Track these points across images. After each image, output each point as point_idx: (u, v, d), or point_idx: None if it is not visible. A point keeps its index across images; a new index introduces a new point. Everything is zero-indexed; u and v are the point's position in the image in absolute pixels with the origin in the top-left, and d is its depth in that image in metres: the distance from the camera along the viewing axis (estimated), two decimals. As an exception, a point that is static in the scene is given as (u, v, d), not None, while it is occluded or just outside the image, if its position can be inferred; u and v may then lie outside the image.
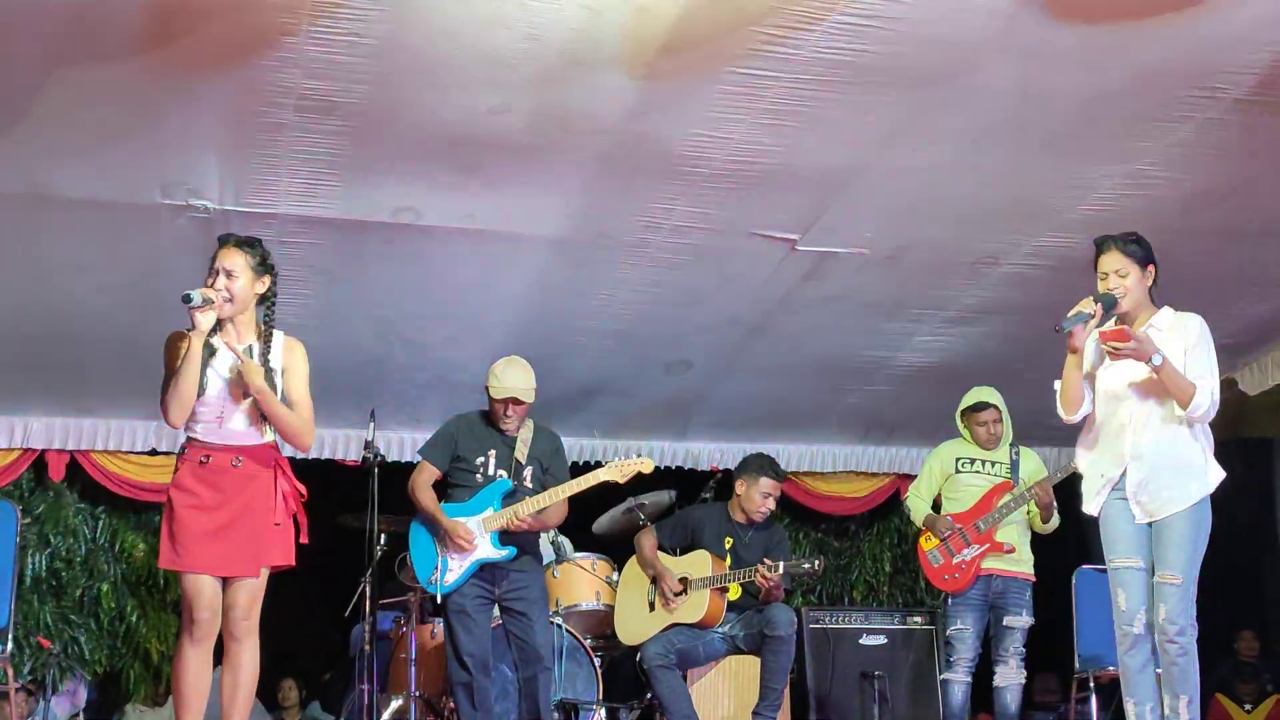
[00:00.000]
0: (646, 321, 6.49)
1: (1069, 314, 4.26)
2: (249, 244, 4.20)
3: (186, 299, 4.02)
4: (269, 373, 4.15)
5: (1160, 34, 4.19)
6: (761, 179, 5.12)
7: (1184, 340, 4.25)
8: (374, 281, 6.00)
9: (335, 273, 5.83)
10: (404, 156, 4.95)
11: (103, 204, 5.18)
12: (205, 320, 4.06)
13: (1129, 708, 4.27)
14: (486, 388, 5.46)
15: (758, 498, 6.02)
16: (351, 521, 6.02)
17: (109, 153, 4.86)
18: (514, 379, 5.41)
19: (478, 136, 4.79)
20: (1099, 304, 4.25)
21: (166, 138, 4.79)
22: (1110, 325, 4.25)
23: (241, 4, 4.02)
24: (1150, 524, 4.24)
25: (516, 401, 5.40)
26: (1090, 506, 4.40)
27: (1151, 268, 4.32)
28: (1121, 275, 4.27)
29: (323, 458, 7.63)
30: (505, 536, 5.34)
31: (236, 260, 4.15)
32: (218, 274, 4.13)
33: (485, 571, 5.33)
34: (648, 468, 5.49)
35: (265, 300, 4.23)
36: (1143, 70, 4.40)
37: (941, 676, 6.27)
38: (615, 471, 5.43)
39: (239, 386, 4.13)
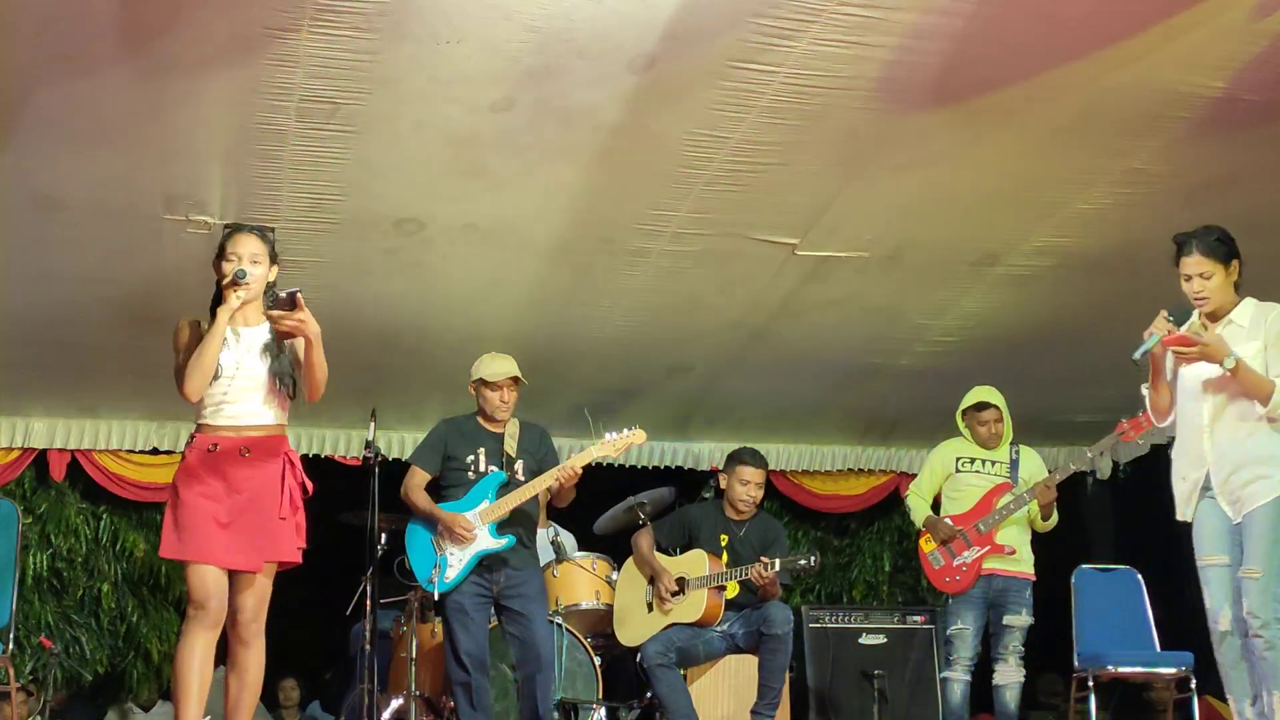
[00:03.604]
0: (648, 326, 6.51)
1: (1145, 339, 4.17)
2: (263, 231, 4.24)
3: (242, 275, 4.06)
4: (280, 345, 4.17)
5: (1159, 31, 4.20)
6: (761, 179, 5.12)
7: (1264, 335, 4.17)
8: (376, 290, 6.02)
9: (338, 285, 5.85)
10: (406, 160, 4.95)
11: (105, 213, 5.20)
12: (237, 299, 4.08)
13: (1230, 704, 4.25)
14: (478, 380, 5.50)
15: (738, 487, 6.06)
16: (352, 520, 6.03)
17: (111, 162, 4.86)
18: (505, 363, 5.48)
19: (480, 135, 4.80)
20: (1171, 321, 4.18)
21: (168, 147, 4.80)
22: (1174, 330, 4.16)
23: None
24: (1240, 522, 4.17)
25: (515, 381, 5.45)
26: (1181, 513, 4.32)
27: (1236, 262, 4.24)
28: (1205, 277, 4.19)
29: (323, 456, 7.66)
30: (503, 527, 5.36)
31: (259, 247, 4.18)
32: (239, 259, 4.13)
33: (484, 568, 5.33)
34: (640, 439, 5.50)
35: (270, 287, 4.23)
36: (1141, 65, 4.40)
37: (941, 675, 6.27)
38: (609, 447, 5.43)
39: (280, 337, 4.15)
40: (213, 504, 4.03)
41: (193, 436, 4.16)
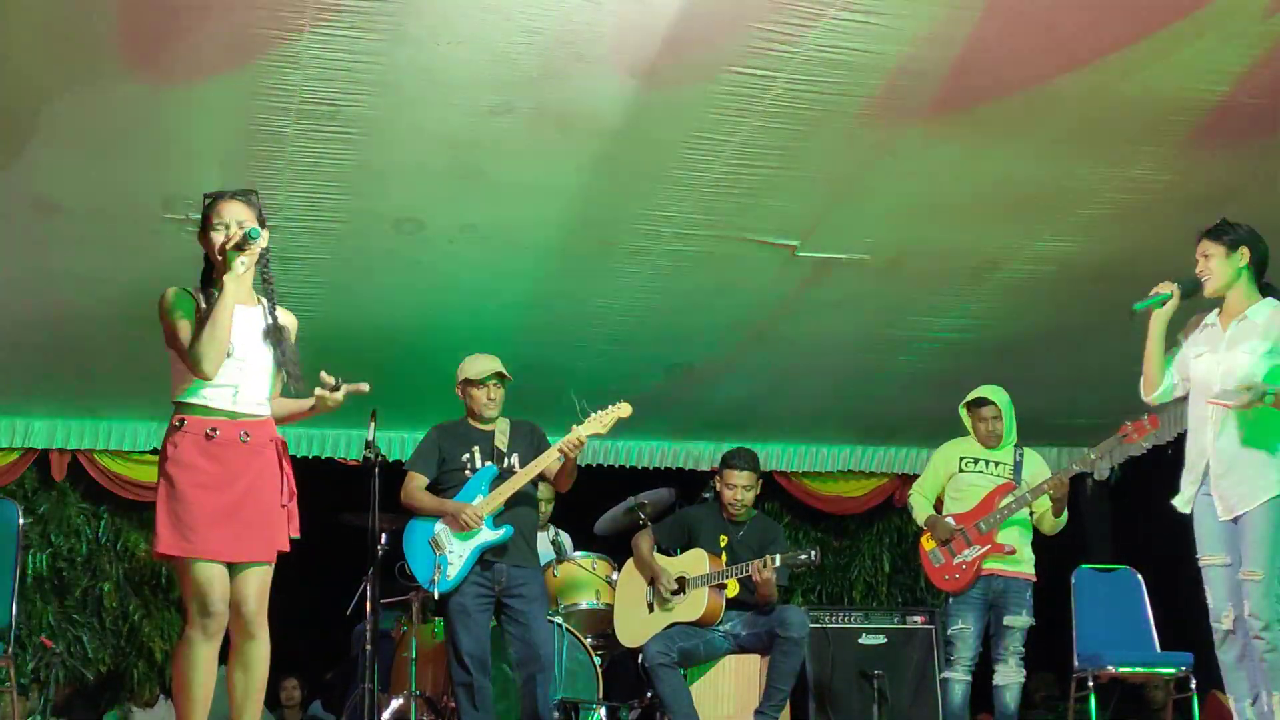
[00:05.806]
0: (647, 327, 6.51)
1: (1148, 295, 4.33)
2: (248, 196, 3.93)
3: (255, 233, 3.76)
4: (280, 331, 3.94)
5: (1159, 39, 4.21)
6: (761, 182, 5.12)
7: (1276, 332, 4.21)
8: (376, 291, 6.03)
9: (337, 284, 5.85)
10: (406, 163, 4.96)
11: (106, 214, 5.20)
12: (241, 265, 3.78)
13: (1230, 704, 4.27)
14: (464, 381, 5.52)
15: (726, 490, 6.08)
16: (352, 520, 6.04)
17: (111, 163, 4.86)
18: (489, 361, 5.51)
19: (480, 138, 4.80)
20: (1177, 286, 4.33)
21: (168, 148, 4.80)
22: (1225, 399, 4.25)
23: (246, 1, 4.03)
24: (1235, 520, 4.17)
25: (501, 377, 5.47)
26: (1180, 502, 4.35)
27: (1245, 250, 4.28)
28: (1206, 256, 4.31)
29: (323, 457, 7.67)
30: (499, 519, 5.37)
31: (248, 213, 3.85)
32: (229, 225, 3.81)
33: (486, 566, 5.34)
34: (626, 411, 5.45)
35: (262, 256, 3.90)
36: (1141, 73, 4.41)
37: (941, 675, 6.28)
38: (596, 423, 5.42)
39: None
40: (213, 495, 3.74)
41: (182, 421, 3.79)
